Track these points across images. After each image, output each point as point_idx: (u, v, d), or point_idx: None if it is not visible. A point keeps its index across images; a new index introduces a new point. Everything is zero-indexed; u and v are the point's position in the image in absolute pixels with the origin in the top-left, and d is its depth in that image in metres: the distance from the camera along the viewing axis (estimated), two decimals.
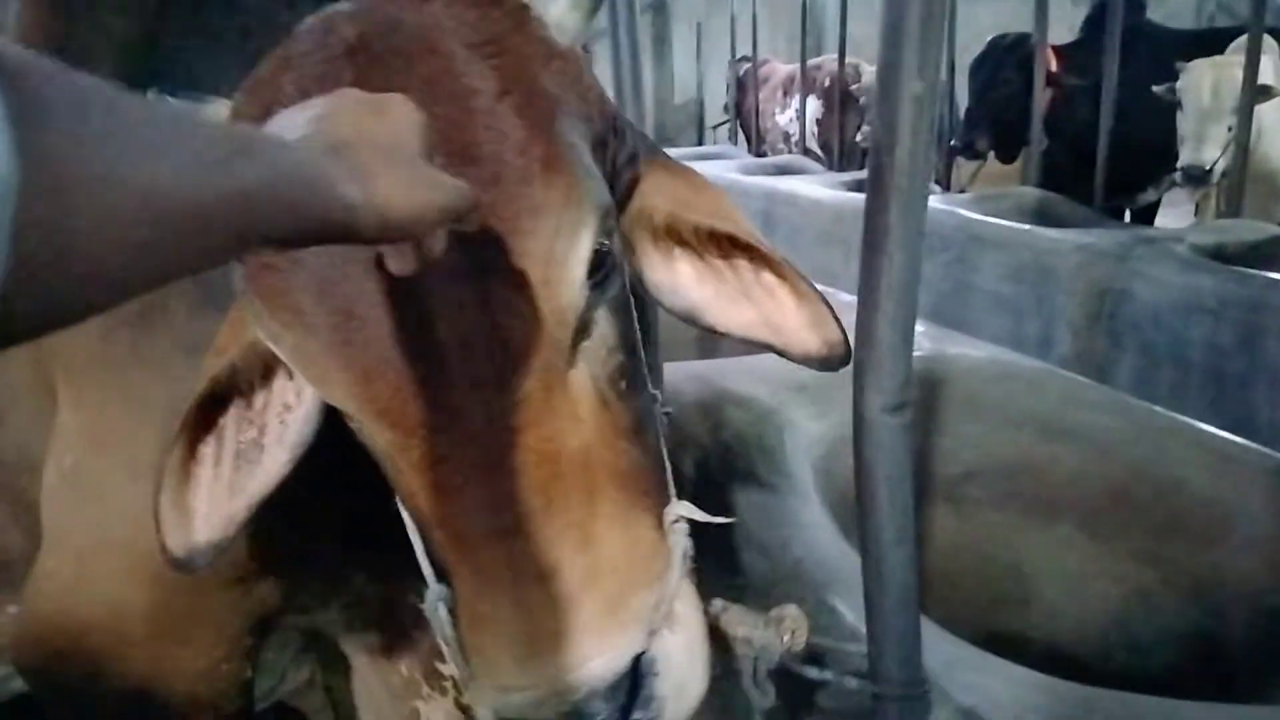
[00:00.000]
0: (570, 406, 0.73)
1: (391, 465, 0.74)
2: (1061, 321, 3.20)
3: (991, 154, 4.73)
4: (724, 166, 5.59)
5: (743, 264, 0.93)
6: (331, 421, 0.81)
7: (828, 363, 0.93)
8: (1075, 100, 4.16)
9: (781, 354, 0.94)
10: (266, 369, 0.85)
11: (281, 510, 0.86)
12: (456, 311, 0.68)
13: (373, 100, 0.60)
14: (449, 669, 1.17)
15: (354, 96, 0.60)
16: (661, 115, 8.33)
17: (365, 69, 0.72)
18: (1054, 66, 4.14)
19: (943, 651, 1.21)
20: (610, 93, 1.01)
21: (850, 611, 1.30)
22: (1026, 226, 3.46)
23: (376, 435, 0.72)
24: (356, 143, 0.54)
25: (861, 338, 0.93)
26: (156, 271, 0.42)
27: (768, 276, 0.93)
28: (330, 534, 1.03)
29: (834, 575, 1.38)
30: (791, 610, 1.00)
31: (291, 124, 0.56)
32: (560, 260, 0.72)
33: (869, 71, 6.06)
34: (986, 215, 3.63)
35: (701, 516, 0.81)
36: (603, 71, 1.06)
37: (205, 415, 0.85)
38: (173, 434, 0.83)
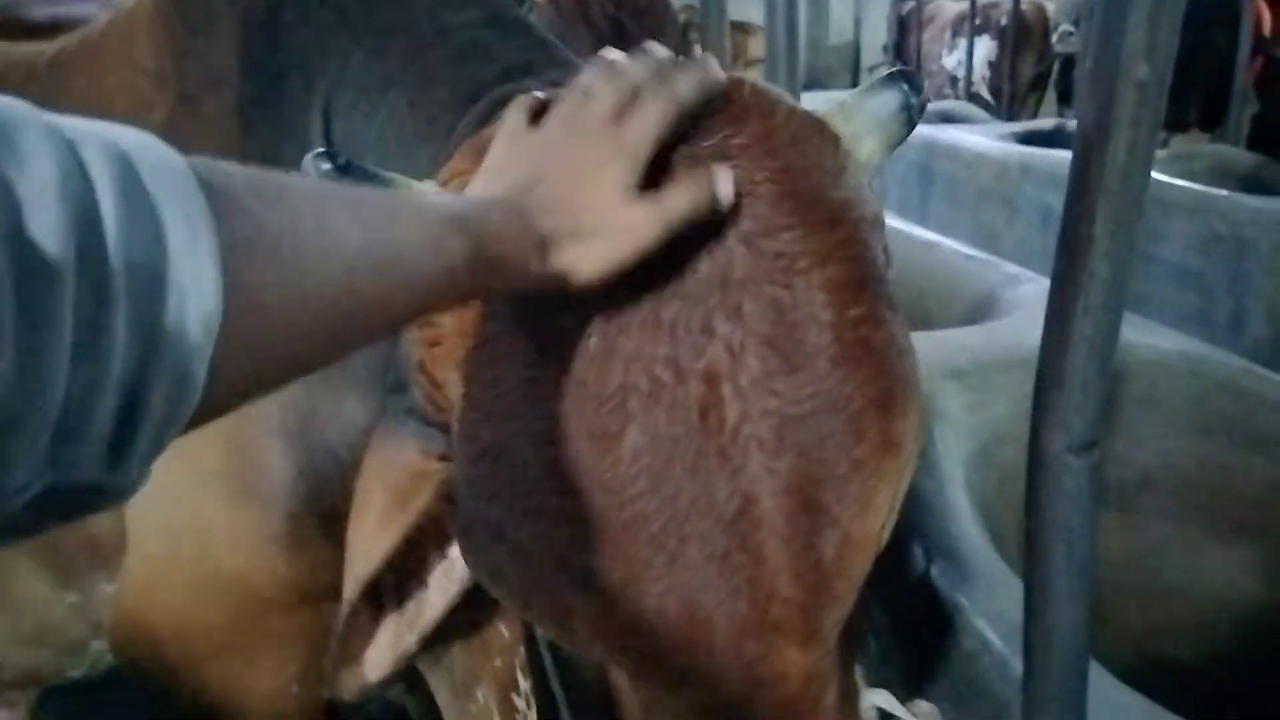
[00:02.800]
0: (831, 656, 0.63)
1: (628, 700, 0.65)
2: (1258, 301, 2.86)
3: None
4: None
5: None
6: None
7: None
8: None
9: None
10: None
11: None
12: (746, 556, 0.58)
13: (579, 121, 0.60)
14: (520, 702, 1.12)
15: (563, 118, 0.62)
16: (814, 58, 7.94)
17: None
18: (1266, 28, 3.66)
19: (1106, 696, 1.08)
20: (761, 35, 0.95)
21: (1001, 645, 1.17)
22: (1223, 192, 3.09)
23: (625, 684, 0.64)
24: (560, 191, 0.57)
25: (1047, 364, 0.79)
26: (345, 351, 0.48)
27: None
28: None
29: (986, 600, 1.25)
30: (925, 707, 0.90)
31: (497, 171, 0.60)
32: (873, 533, 0.62)
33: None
34: (1176, 178, 3.27)
35: (900, 711, 0.71)
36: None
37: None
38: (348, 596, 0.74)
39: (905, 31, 6.97)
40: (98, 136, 0.36)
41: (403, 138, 0.84)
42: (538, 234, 0.55)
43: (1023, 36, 5.40)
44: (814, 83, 7.40)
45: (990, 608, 1.25)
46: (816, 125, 0.66)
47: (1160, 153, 3.82)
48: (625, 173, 0.58)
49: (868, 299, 0.61)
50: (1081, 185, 0.74)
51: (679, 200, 0.58)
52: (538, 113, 0.64)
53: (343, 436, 0.88)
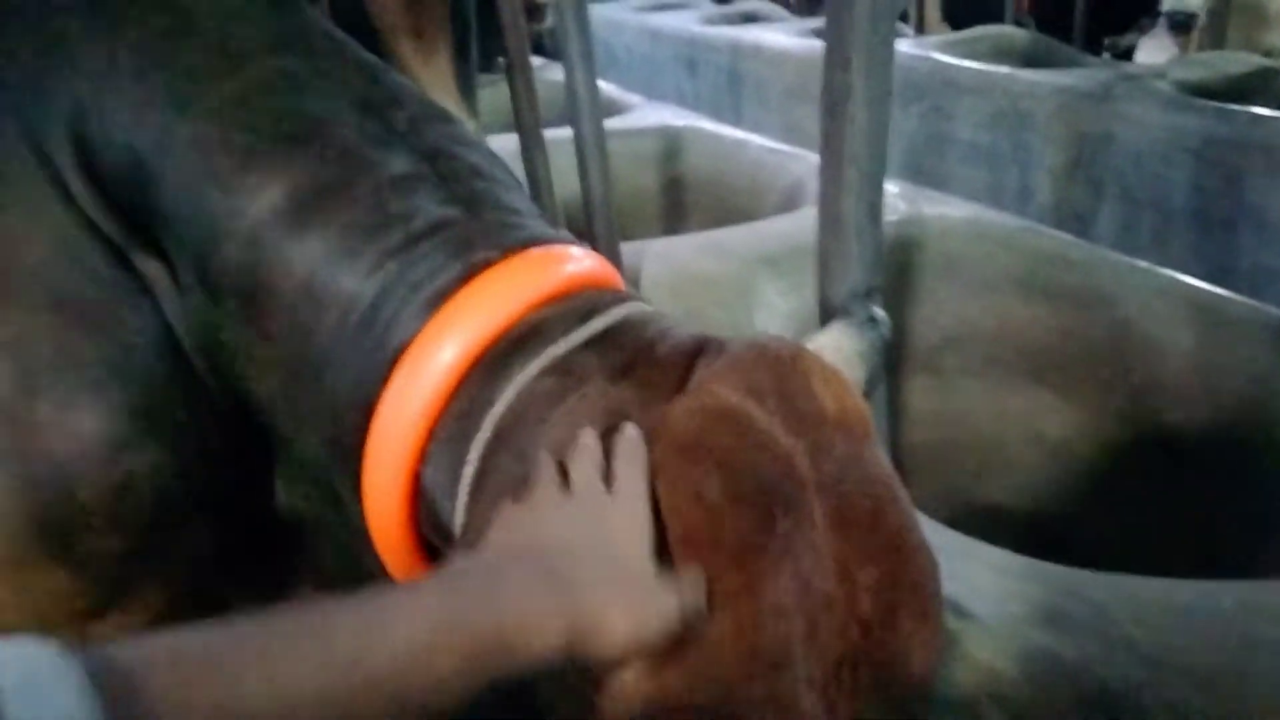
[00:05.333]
0: None
1: None
2: (1040, 170, 3.07)
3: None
4: (684, 18, 5.28)
5: None
6: None
7: None
8: None
9: None
10: None
11: None
12: None
13: (592, 504, 0.56)
14: None
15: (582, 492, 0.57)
16: None
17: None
18: None
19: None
20: None
21: None
22: (1004, 69, 3.28)
23: None
24: (573, 559, 0.53)
25: (825, 217, 0.83)
26: None
27: None
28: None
29: None
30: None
31: (508, 542, 0.55)
32: None
33: None
34: (962, 59, 3.44)
35: None
36: None
37: None
38: None
39: None
40: None
41: (210, 172, 0.74)
42: (567, 586, 0.52)
43: None
44: None
45: None
46: (840, 388, 0.63)
47: (945, 37, 4.01)
48: (645, 538, 0.55)
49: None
50: (835, 36, 0.76)
51: (690, 588, 0.54)
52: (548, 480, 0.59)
53: (74, 447, 0.78)
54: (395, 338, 0.69)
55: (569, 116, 1.53)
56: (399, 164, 0.74)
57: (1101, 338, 1.72)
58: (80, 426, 0.76)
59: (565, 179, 1.68)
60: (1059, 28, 3.81)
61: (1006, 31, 3.87)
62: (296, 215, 0.72)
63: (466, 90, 1.37)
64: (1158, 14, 3.58)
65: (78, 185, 0.78)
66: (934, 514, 1.23)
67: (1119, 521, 1.64)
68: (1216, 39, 3.13)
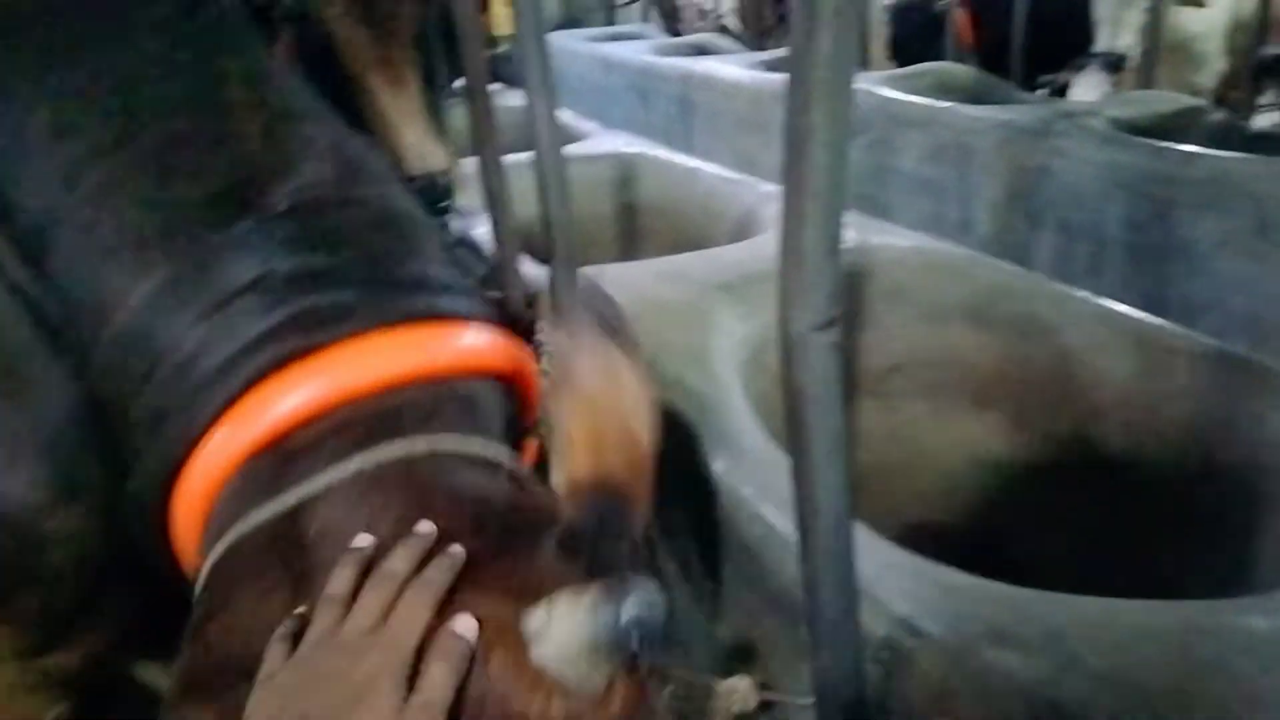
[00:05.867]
0: None
1: None
2: (981, 201, 3.17)
3: None
4: (636, 48, 5.35)
5: None
6: None
7: None
8: None
9: None
10: None
11: None
12: None
13: (339, 640, 0.57)
14: None
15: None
16: None
17: None
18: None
19: (877, 557, 1.19)
20: None
21: (784, 526, 1.27)
22: (947, 104, 3.39)
23: None
24: None
25: (786, 249, 0.85)
26: None
27: None
28: None
29: (766, 487, 1.34)
30: (743, 685, 0.97)
31: None
32: None
33: None
34: (906, 94, 3.54)
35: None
36: None
37: None
38: None
39: None
40: None
41: (89, 260, 0.75)
42: None
43: None
44: (572, 20, 7.37)
45: (772, 494, 1.34)
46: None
47: (890, 72, 4.12)
48: (397, 680, 0.55)
49: None
50: (798, 78, 0.79)
51: (441, 682, 0.55)
52: (288, 637, 0.60)
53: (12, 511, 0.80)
54: (205, 408, 0.70)
55: (528, 141, 1.55)
56: (248, 266, 0.73)
57: (1044, 364, 1.78)
58: (18, 494, 0.79)
59: (520, 203, 1.70)
60: (1000, 65, 3.95)
61: (949, 68, 4.00)
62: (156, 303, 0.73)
63: (436, 115, 1.38)
64: (1091, 54, 3.73)
65: (3, 247, 0.78)
66: (884, 532, 1.26)
67: (1062, 542, 1.70)
68: (1147, 78, 3.27)
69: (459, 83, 1.76)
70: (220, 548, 0.66)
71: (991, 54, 4.16)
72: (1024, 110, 3.22)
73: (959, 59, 4.15)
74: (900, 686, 1.07)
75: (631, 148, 3.17)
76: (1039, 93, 4.10)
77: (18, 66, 0.79)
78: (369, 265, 0.77)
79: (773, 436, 1.49)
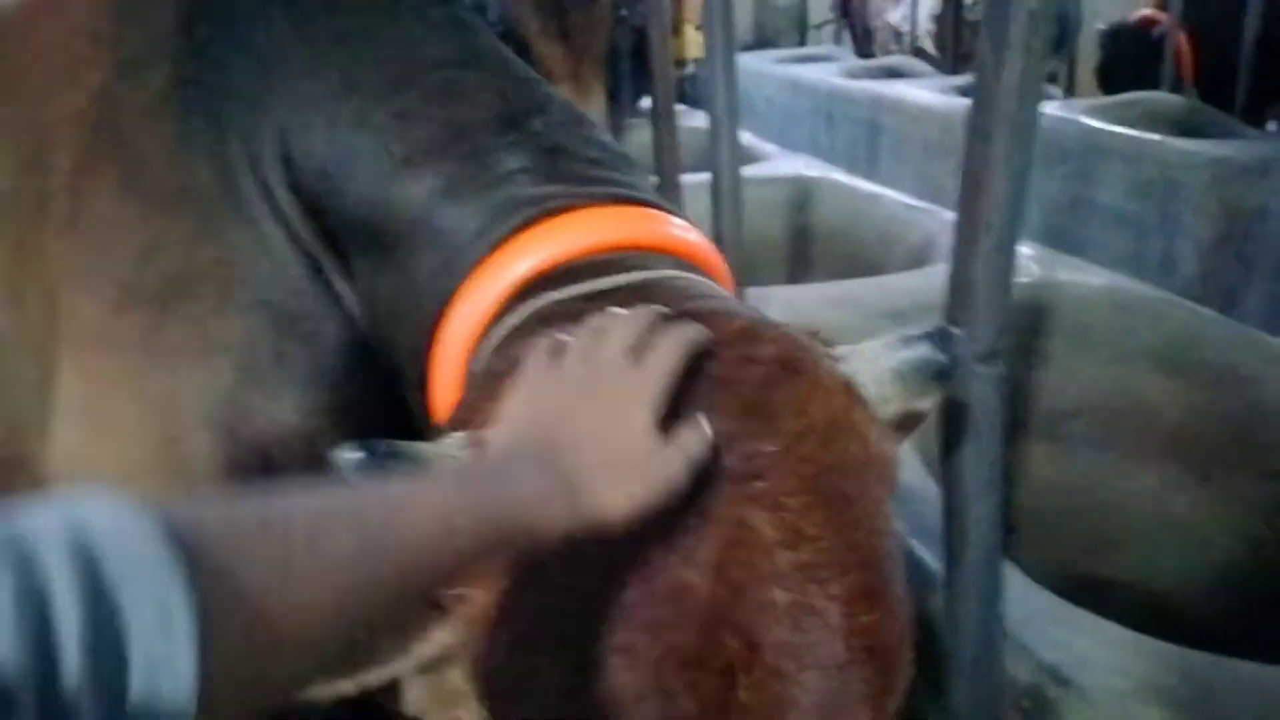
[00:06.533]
0: None
1: None
2: (1188, 241, 2.97)
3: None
4: (826, 70, 5.32)
5: None
6: None
7: None
8: None
9: None
10: None
11: None
12: None
13: (598, 360, 0.62)
14: None
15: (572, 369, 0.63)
16: (761, 15, 7.94)
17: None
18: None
19: (1029, 602, 1.15)
20: None
21: (930, 559, 1.25)
22: (1156, 137, 3.19)
23: None
24: (574, 439, 0.58)
25: (955, 278, 0.86)
26: (353, 637, 0.48)
27: None
28: None
29: (914, 517, 1.32)
30: None
31: (511, 430, 0.61)
32: None
33: None
34: (1111, 124, 3.36)
35: None
36: None
37: None
38: None
39: None
40: (62, 533, 0.35)
41: (377, 176, 0.88)
42: (567, 476, 0.56)
43: None
44: (764, 41, 7.42)
45: (918, 525, 1.32)
46: (845, 404, 0.67)
47: (1095, 101, 3.92)
48: (649, 410, 0.59)
49: (880, 604, 0.63)
50: (982, 108, 0.80)
51: (694, 439, 0.60)
52: (555, 351, 0.65)
53: (275, 435, 0.89)
54: (474, 254, 0.82)
55: (708, 163, 1.59)
56: (520, 160, 0.87)
57: (1237, 418, 1.66)
58: (284, 417, 0.88)
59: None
60: (1220, 97, 3.68)
61: (1161, 98, 3.76)
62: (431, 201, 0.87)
63: (616, 131, 1.47)
64: None
65: (284, 200, 0.89)
66: (1046, 580, 1.22)
67: (1239, 607, 1.57)
68: None
69: (645, 101, 1.84)
70: (502, 329, 0.77)
71: (1213, 84, 3.88)
72: (1242, 146, 2.99)
73: (1176, 89, 3.90)
74: None
75: (811, 170, 3.17)
76: (1265, 128, 3.80)
77: (308, 48, 0.94)
78: (607, 177, 0.91)
79: (926, 466, 1.47)
